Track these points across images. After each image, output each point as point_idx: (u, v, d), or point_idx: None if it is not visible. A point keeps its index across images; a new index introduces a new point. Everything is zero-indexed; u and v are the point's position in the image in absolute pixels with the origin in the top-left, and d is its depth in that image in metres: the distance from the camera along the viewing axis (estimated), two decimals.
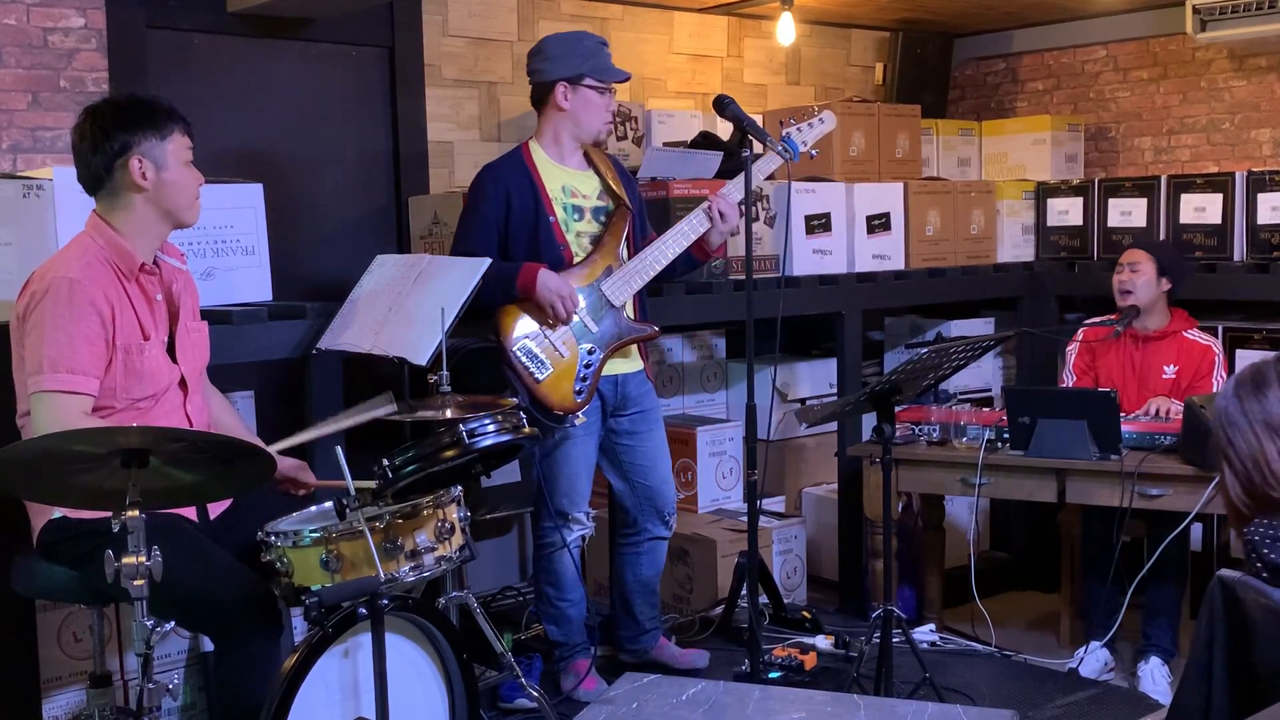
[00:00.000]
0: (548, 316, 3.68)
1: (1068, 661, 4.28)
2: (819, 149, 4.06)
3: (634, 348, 3.90)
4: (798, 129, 3.90)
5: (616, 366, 3.85)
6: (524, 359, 3.67)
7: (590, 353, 3.73)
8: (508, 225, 3.73)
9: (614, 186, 3.87)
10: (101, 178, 2.88)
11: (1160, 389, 4.41)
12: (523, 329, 3.69)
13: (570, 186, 3.82)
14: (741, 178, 3.70)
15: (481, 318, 3.70)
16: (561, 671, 3.97)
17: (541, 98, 3.81)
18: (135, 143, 2.86)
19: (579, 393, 3.71)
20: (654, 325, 3.91)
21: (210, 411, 3.16)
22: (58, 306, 2.76)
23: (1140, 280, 4.42)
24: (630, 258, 3.83)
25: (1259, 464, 2.48)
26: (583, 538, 3.96)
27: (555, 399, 3.68)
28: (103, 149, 2.85)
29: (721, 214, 3.81)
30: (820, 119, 3.96)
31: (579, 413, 3.72)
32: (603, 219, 3.85)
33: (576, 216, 3.82)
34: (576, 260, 3.77)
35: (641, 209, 4.01)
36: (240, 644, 2.84)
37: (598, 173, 3.88)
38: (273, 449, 3.04)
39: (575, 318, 3.71)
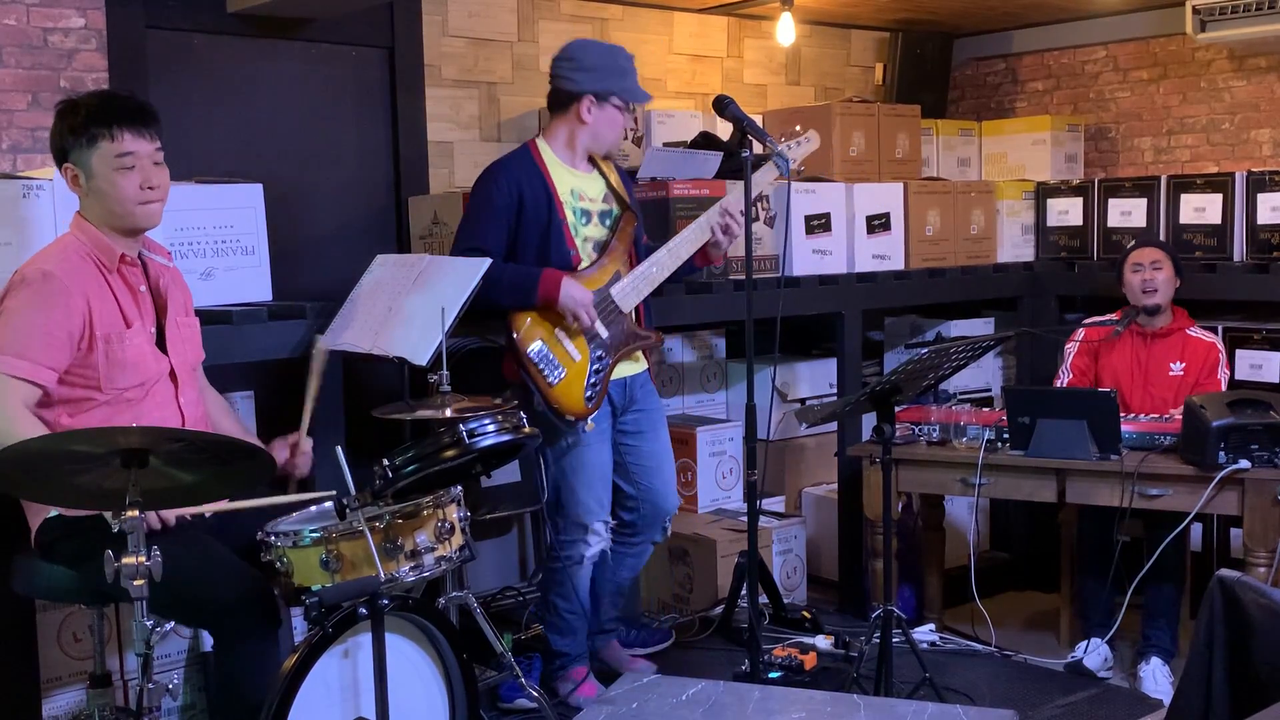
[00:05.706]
0: (564, 321, 3.66)
1: (1068, 655, 4.27)
2: (809, 157, 4.17)
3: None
4: (789, 146, 3.92)
5: (623, 370, 3.84)
6: (539, 362, 3.65)
7: (600, 359, 3.73)
8: (519, 223, 3.69)
9: (619, 190, 3.87)
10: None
11: (1167, 386, 4.41)
12: (537, 332, 3.66)
13: (579, 190, 3.80)
14: (741, 188, 3.71)
15: (487, 317, 3.67)
16: (559, 678, 3.92)
17: (563, 104, 3.78)
18: (68, 149, 2.90)
19: (589, 398, 3.69)
20: (657, 331, 3.92)
21: (210, 416, 3.16)
22: (28, 295, 2.80)
23: (1162, 278, 4.45)
24: (635, 263, 3.83)
25: None
26: (601, 552, 3.90)
27: (567, 403, 3.66)
28: (53, 156, 2.94)
29: (725, 228, 3.83)
30: (807, 138, 4.02)
31: (590, 418, 3.70)
32: (608, 223, 3.84)
33: (584, 220, 3.80)
34: (584, 265, 3.75)
35: (638, 212, 4.00)
36: (239, 639, 2.84)
37: (602, 175, 3.87)
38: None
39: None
